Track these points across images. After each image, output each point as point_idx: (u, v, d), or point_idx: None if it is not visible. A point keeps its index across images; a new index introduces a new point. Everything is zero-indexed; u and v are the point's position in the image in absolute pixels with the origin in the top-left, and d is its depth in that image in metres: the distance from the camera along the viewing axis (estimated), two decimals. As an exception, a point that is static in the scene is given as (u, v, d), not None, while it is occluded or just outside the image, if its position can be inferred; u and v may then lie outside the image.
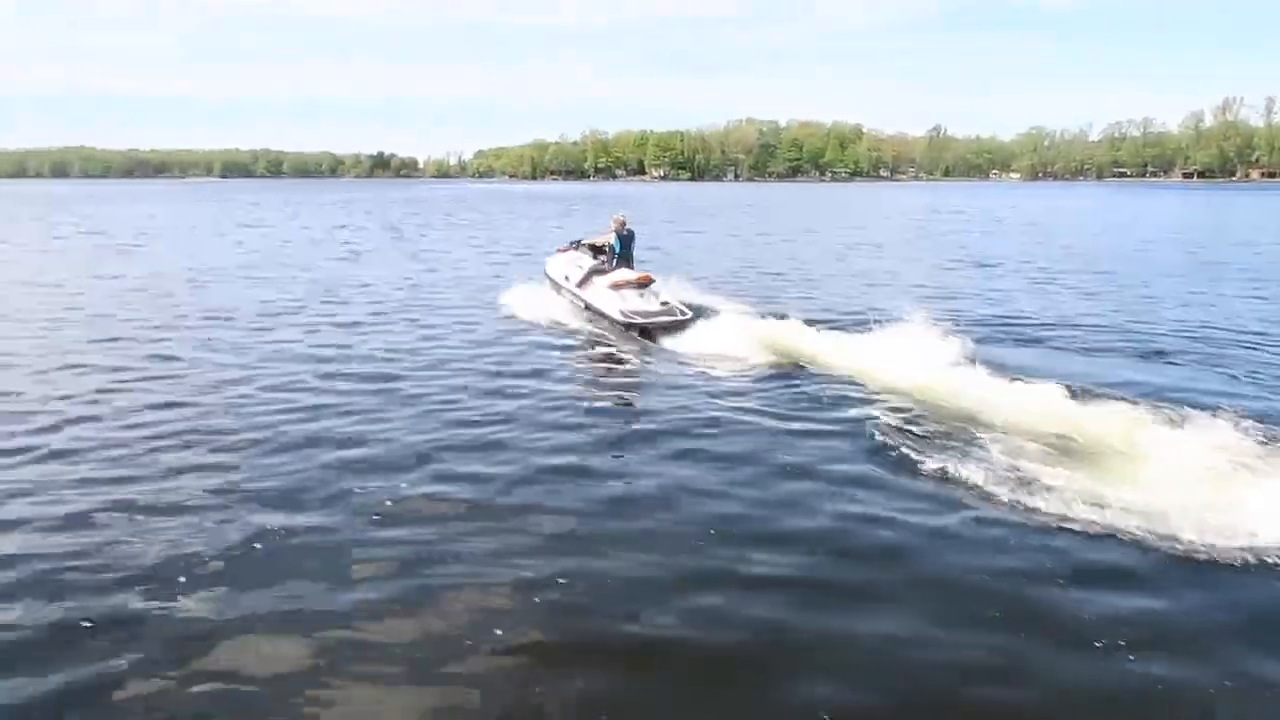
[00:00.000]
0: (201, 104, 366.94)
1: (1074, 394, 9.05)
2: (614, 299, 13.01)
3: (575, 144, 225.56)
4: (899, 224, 46.11)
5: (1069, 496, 6.57)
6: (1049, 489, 6.75)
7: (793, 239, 34.64)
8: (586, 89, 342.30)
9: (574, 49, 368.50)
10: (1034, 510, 6.39)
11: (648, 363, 11.50)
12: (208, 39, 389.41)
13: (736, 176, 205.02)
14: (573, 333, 13.12)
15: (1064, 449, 7.73)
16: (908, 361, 10.50)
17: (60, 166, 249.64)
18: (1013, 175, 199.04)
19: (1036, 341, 13.00)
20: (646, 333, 12.42)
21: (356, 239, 33.45)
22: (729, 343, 11.69)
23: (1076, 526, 6.10)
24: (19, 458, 7.41)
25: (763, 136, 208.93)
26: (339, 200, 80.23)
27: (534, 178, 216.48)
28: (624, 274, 13.52)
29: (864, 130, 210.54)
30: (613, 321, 12.83)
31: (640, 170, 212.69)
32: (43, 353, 11.58)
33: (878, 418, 8.72)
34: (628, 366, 11.50)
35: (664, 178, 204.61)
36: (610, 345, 12.40)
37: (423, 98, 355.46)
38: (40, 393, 9.54)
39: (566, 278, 14.44)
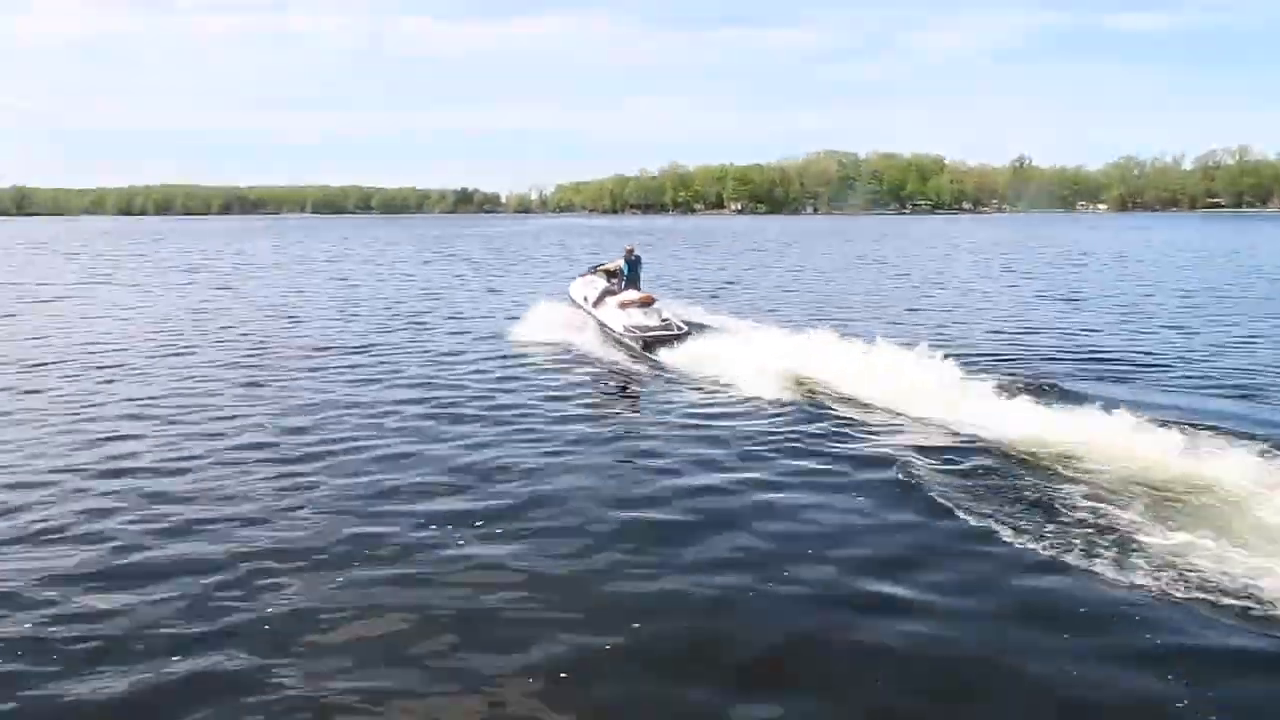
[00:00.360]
0: (293, 142, 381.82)
1: (1168, 436, 8.18)
2: (620, 316, 14.74)
3: (654, 178, 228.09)
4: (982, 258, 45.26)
5: (1170, 558, 5.79)
6: (1146, 549, 5.99)
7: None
8: (666, 123, 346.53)
9: (654, 84, 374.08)
10: (1128, 577, 5.66)
11: (661, 395, 11.87)
12: (300, 78, 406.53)
13: (815, 210, 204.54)
14: (596, 359, 14.06)
15: (1163, 500, 6.90)
16: (963, 393, 10.15)
17: (164, 203, 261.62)
18: (1100, 207, 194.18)
19: (1123, 379, 12.30)
20: (646, 345, 13.95)
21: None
22: (736, 362, 12.16)
23: (1178, 594, 5.40)
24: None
25: (842, 169, 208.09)
26: (446, 235, 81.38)
27: (613, 211, 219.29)
28: (630, 295, 15.35)
29: (945, 162, 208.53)
30: (618, 335, 14.43)
31: (719, 204, 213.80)
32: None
33: (922, 460, 8.19)
34: (643, 397, 11.93)
35: (742, 211, 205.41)
36: (633, 378, 12.94)
37: (505, 134, 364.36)
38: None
39: (585, 298, 16.20)
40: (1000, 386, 10.61)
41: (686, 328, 14.55)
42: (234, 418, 10.60)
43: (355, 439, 9.54)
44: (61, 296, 26.04)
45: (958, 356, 11.59)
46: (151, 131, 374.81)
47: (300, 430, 9.99)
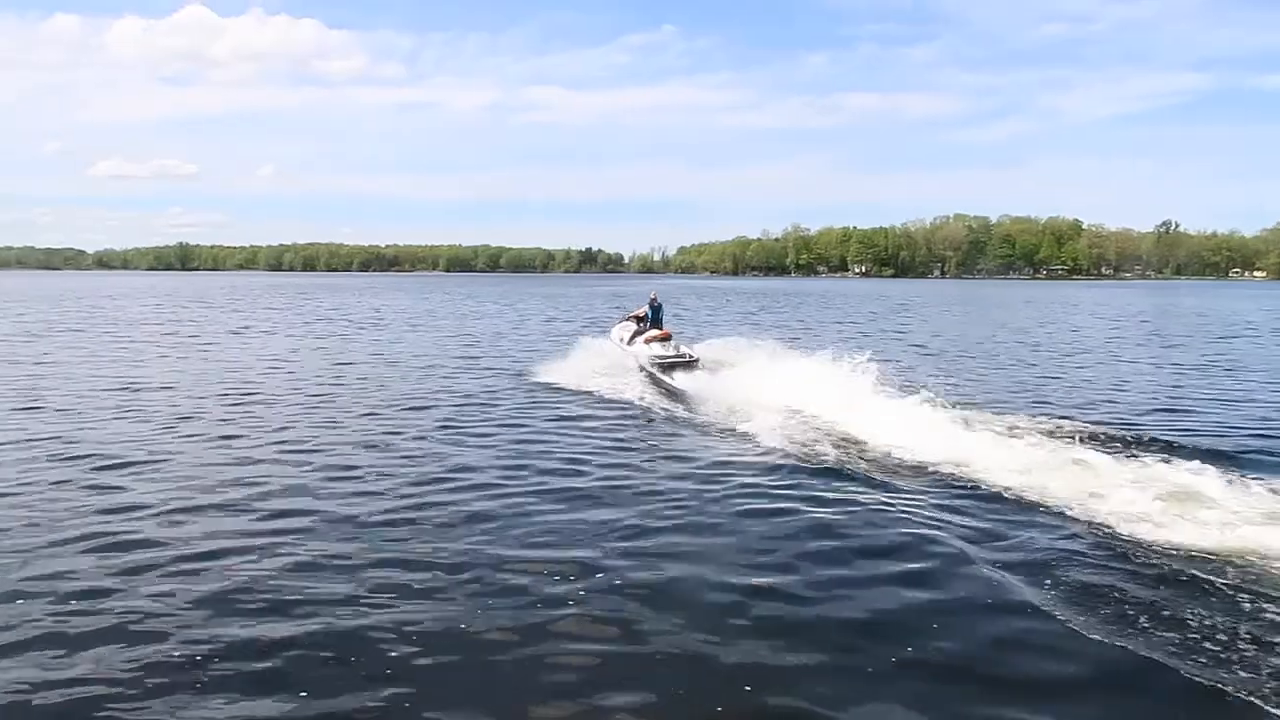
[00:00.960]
0: (425, 204, 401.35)
1: None
2: (645, 349, 18.85)
3: (777, 240, 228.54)
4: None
5: None
6: None
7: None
8: (790, 186, 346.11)
9: (779, 147, 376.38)
10: None
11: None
12: (434, 144, 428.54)
13: (943, 274, 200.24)
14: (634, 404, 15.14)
15: None
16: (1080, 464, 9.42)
17: (310, 260, 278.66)
18: (1257, 274, 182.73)
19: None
20: (665, 369, 17.42)
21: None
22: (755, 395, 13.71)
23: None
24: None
25: (972, 233, 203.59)
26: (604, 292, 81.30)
27: (735, 274, 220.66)
28: (653, 333, 19.60)
29: (1083, 226, 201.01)
30: (643, 363, 18.09)
31: (842, 266, 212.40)
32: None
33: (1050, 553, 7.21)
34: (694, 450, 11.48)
35: (865, 274, 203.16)
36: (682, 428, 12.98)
37: (628, 196, 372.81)
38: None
39: (621, 339, 20.54)
40: (1115, 452, 10.04)
41: (697, 356, 18.37)
42: (369, 446, 11.30)
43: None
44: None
45: (1092, 423, 11.23)
46: (300, 194, 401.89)
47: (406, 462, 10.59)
